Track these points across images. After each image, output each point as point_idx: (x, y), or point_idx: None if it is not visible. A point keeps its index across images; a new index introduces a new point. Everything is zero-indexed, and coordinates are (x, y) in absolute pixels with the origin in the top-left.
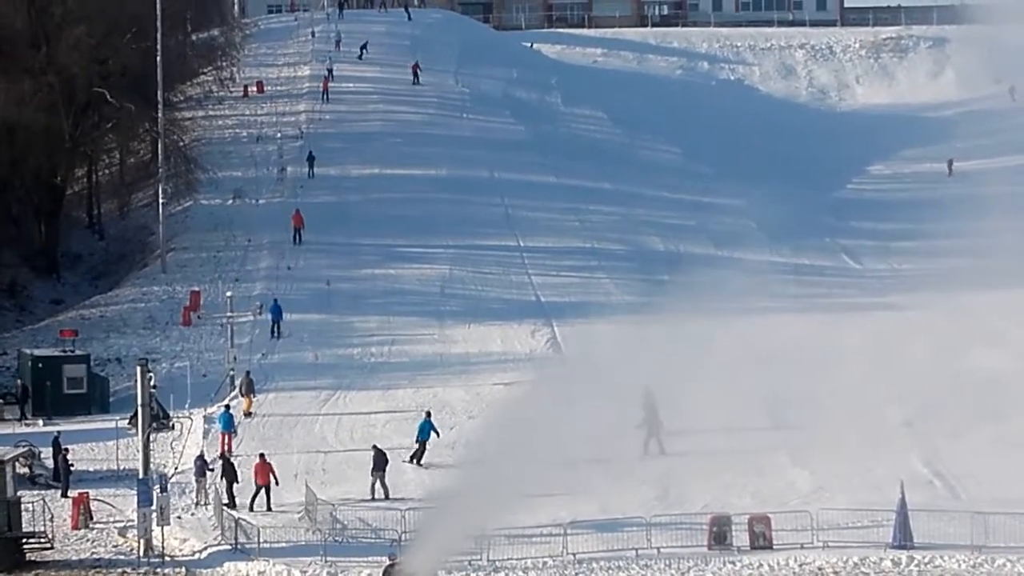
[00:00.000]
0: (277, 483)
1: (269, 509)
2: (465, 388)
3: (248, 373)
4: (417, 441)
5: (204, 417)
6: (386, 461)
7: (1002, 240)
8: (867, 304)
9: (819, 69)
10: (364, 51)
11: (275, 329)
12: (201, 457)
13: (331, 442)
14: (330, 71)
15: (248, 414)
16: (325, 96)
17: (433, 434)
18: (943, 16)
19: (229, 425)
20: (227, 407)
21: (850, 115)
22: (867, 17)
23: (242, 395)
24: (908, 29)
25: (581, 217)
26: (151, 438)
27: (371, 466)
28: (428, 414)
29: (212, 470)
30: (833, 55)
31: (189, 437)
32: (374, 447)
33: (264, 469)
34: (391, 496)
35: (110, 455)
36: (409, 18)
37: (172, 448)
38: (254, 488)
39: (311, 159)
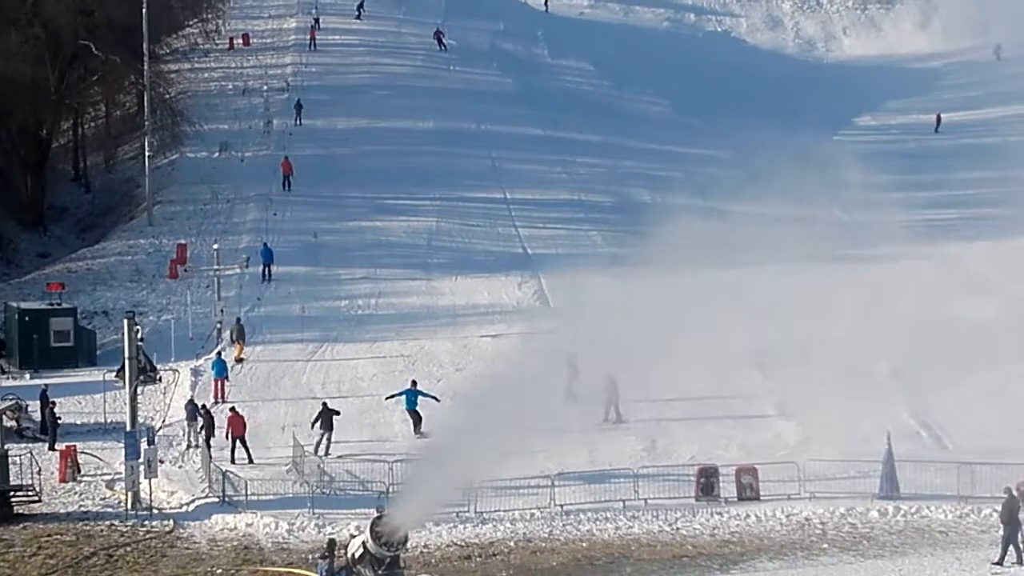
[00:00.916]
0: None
1: (251, 461)
2: (452, 340)
3: (239, 320)
4: (409, 411)
5: (191, 370)
6: (332, 422)
7: (989, 191)
8: (855, 255)
9: (806, 21)
10: (361, 10)
11: (266, 273)
12: (191, 402)
13: (319, 394)
14: (317, 20)
15: (240, 360)
16: (312, 45)
17: (432, 400)
18: None
19: (222, 371)
20: (219, 354)
21: (837, 67)
22: None
23: (233, 341)
24: None
25: (568, 169)
26: (138, 391)
27: (317, 421)
28: (414, 383)
29: (203, 415)
30: (820, 6)
31: (176, 390)
32: (323, 404)
33: (237, 420)
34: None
35: (97, 408)
36: None
37: (160, 401)
38: (229, 442)
39: (299, 107)
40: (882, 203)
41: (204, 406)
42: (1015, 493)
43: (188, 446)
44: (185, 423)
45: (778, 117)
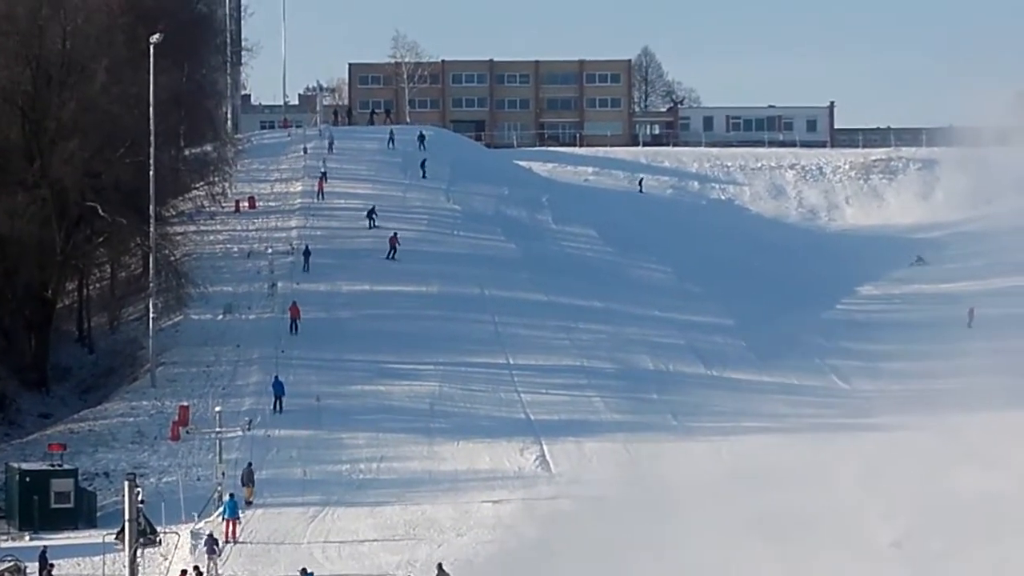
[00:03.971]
0: None
1: None
2: (453, 506)
3: (250, 464)
4: None
5: (191, 532)
6: None
7: (992, 361)
8: (856, 424)
9: (809, 189)
10: (373, 217)
11: (277, 405)
12: (211, 536)
13: (319, 560)
14: (324, 174)
15: (249, 503)
16: (320, 195)
17: None
18: (932, 138)
19: (234, 512)
20: (231, 495)
21: (839, 235)
22: (857, 138)
23: (243, 485)
24: (897, 151)
25: (571, 335)
26: (138, 553)
27: None
28: (303, 571)
29: (220, 550)
30: (823, 176)
31: (176, 553)
32: None
33: None
34: None
35: (96, 570)
36: (423, 147)
37: (159, 563)
38: None
39: (307, 254)
40: (883, 373)
41: (196, 567)
42: None
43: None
44: (205, 556)
45: (780, 285)
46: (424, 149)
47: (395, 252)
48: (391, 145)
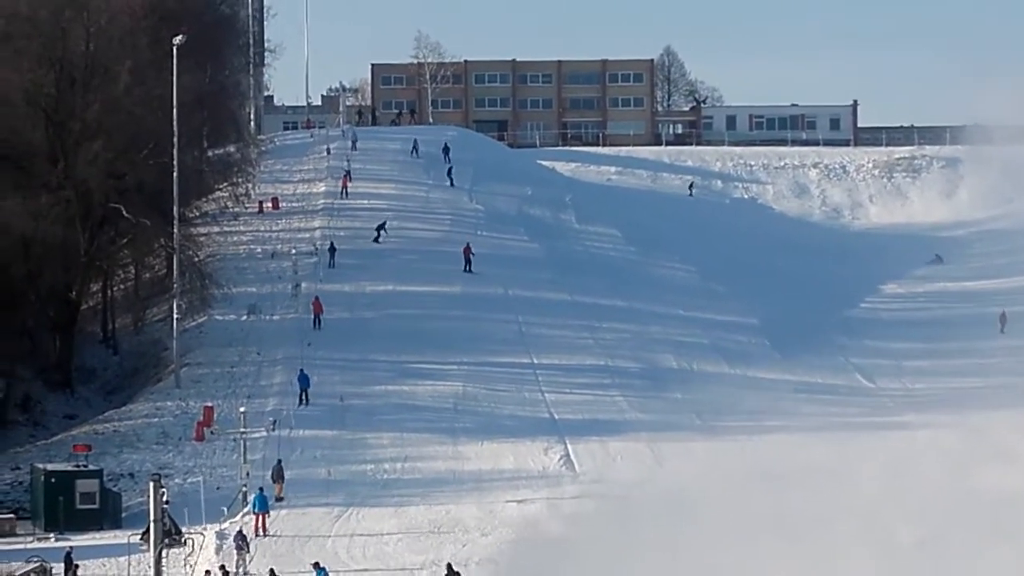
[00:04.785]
0: None
1: None
2: (478, 505)
3: (279, 461)
4: None
5: (216, 533)
6: None
7: (1016, 359)
8: (880, 423)
9: (832, 188)
10: (381, 231)
11: (303, 397)
12: (240, 533)
13: (344, 560)
14: (348, 172)
15: (279, 499)
16: (344, 193)
17: None
18: (956, 136)
19: (264, 506)
20: (260, 489)
21: (863, 234)
22: (880, 137)
23: (273, 481)
24: (921, 149)
25: (595, 335)
26: (163, 554)
27: None
28: (316, 565)
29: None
30: (846, 174)
31: (201, 553)
32: None
33: None
34: None
35: (122, 571)
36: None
37: (184, 564)
38: None
39: (332, 249)
40: (908, 371)
41: (223, 566)
42: None
43: (235, 573)
44: (234, 551)
45: (804, 284)
46: (449, 160)
47: (471, 264)
48: (415, 154)
